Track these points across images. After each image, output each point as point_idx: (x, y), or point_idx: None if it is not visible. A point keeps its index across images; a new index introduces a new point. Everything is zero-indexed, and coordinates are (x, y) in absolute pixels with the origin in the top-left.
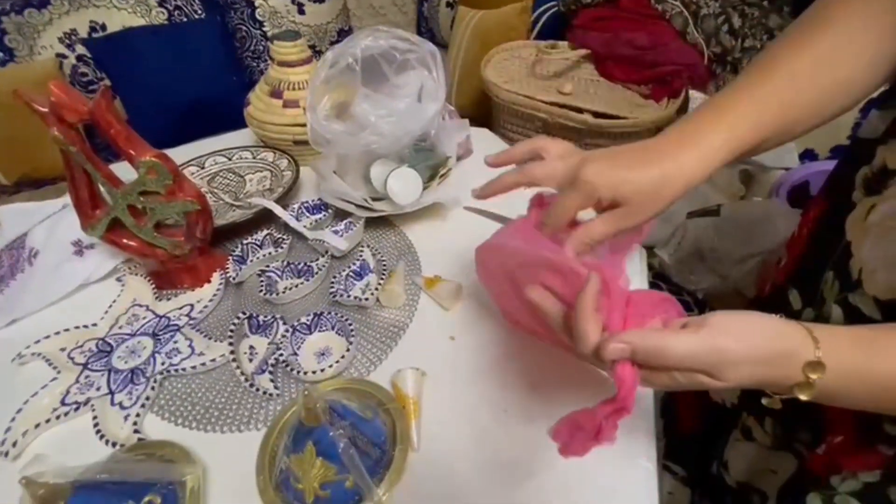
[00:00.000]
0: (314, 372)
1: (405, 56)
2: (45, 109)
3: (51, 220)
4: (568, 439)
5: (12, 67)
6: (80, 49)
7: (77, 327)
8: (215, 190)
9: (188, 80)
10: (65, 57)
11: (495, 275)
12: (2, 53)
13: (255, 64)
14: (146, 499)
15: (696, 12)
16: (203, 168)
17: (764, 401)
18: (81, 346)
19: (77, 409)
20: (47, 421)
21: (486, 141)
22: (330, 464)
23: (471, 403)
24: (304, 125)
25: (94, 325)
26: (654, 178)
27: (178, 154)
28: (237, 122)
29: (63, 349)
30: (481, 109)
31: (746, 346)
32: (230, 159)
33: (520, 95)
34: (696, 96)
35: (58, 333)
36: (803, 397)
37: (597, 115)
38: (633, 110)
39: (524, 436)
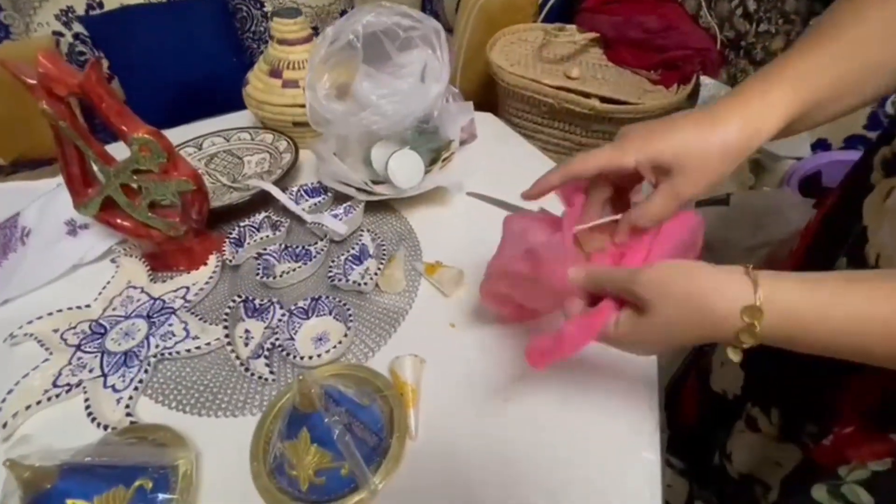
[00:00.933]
0: (311, 357)
1: (408, 33)
2: (34, 81)
3: (44, 199)
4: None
5: (7, 45)
6: (78, 27)
7: (70, 308)
8: (213, 171)
9: (187, 61)
10: (62, 35)
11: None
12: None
13: (255, 45)
14: (137, 483)
15: None
16: (201, 149)
17: (729, 352)
18: (74, 328)
19: (69, 390)
20: (38, 402)
21: (490, 125)
22: (325, 451)
23: (470, 391)
24: (303, 106)
25: (88, 306)
26: (706, 136)
27: (176, 135)
28: (237, 105)
29: (56, 330)
30: (486, 94)
31: (675, 269)
32: (228, 140)
33: (526, 79)
34: (707, 82)
35: (51, 314)
36: (746, 343)
37: (604, 100)
38: (641, 96)
39: (524, 425)
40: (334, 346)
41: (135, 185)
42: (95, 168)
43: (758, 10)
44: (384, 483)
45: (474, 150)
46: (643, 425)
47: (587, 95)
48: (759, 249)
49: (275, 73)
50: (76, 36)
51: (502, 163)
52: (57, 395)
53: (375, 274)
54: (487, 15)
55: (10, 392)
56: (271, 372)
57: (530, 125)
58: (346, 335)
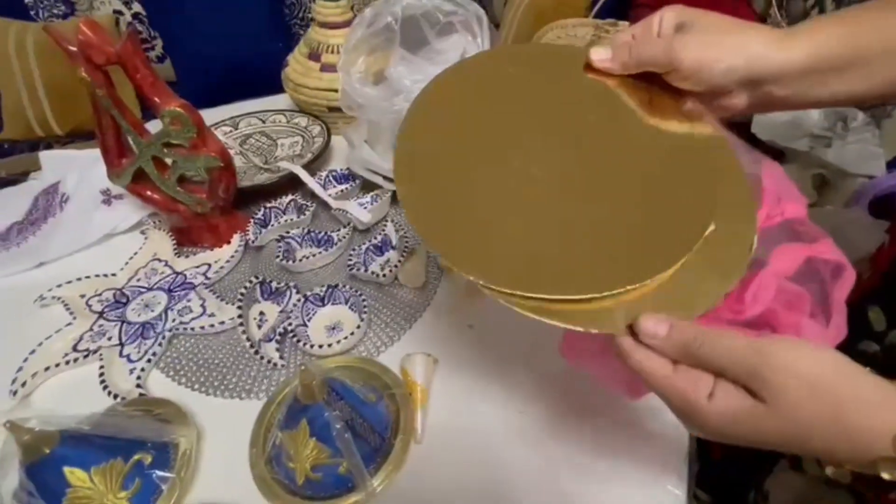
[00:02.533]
0: (321, 346)
1: (449, 18)
2: (74, 49)
3: (84, 168)
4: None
5: (71, 21)
6: (136, 7)
7: (98, 275)
8: (246, 152)
9: (236, 44)
10: (121, 14)
11: None
12: (64, 7)
13: (301, 32)
14: (136, 457)
15: None
16: (237, 129)
17: (828, 471)
18: (100, 295)
19: (87, 356)
20: (57, 365)
21: None
22: (324, 446)
23: (484, 398)
24: (338, 90)
25: (114, 275)
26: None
27: (214, 114)
28: (278, 88)
29: (82, 296)
30: None
31: (822, 360)
32: (264, 122)
33: None
34: None
35: (79, 280)
36: (887, 476)
37: None
38: None
39: (539, 443)
40: (346, 337)
41: (166, 159)
42: (130, 140)
43: (837, 10)
44: (383, 486)
45: None
46: (670, 456)
47: None
48: None
49: (314, 55)
50: (135, 16)
51: None
52: (75, 360)
53: (395, 266)
54: (537, 9)
55: (32, 352)
56: (281, 357)
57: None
58: (359, 326)
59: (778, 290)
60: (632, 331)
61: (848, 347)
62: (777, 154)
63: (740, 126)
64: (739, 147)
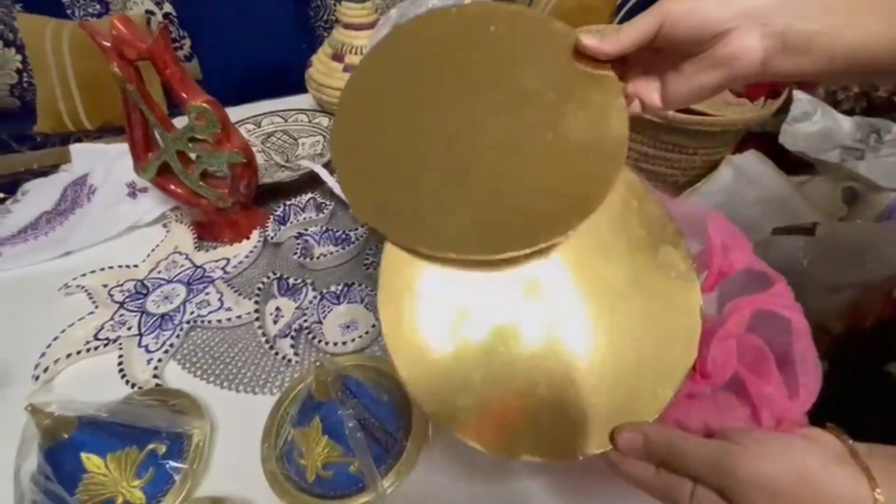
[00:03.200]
0: (336, 344)
1: None
2: (108, 44)
3: (111, 161)
4: None
5: (105, 20)
6: (168, 7)
7: (121, 266)
8: (268, 149)
9: (261, 45)
10: (153, 13)
11: None
12: (99, 5)
13: (325, 34)
14: (150, 446)
15: None
16: (259, 127)
17: None
18: (122, 286)
19: (107, 345)
20: (78, 352)
21: None
22: (335, 444)
23: None
24: None
25: (136, 266)
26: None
27: (238, 112)
28: (302, 89)
29: (105, 285)
30: None
31: (782, 469)
32: (286, 121)
33: None
34: (801, 97)
35: (103, 270)
36: None
37: (678, 109)
38: (720, 108)
39: None
40: (360, 336)
41: (190, 154)
42: (156, 134)
43: None
44: (394, 488)
45: None
46: None
47: None
48: (846, 290)
49: (337, 56)
50: (166, 15)
51: None
52: (95, 348)
53: None
54: (560, 14)
55: (55, 339)
56: (295, 353)
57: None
58: (374, 326)
59: (740, 346)
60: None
61: (874, 369)
62: (806, 166)
63: (767, 137)
64: (668, 201)
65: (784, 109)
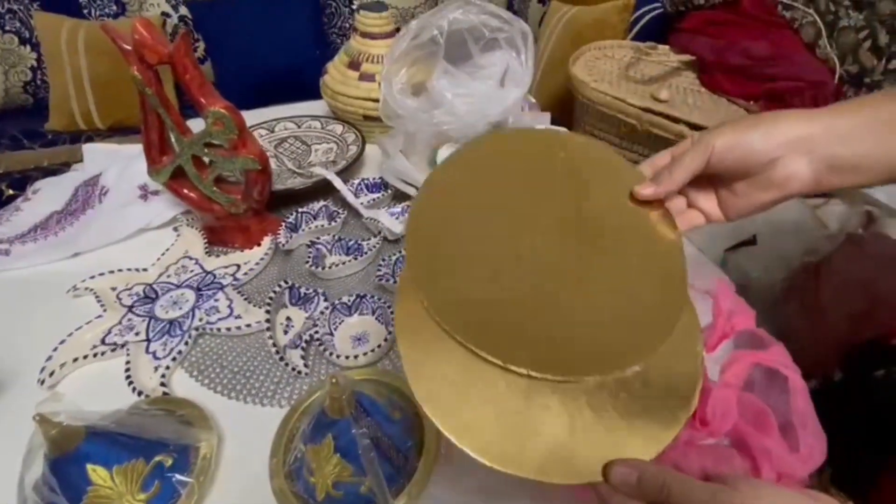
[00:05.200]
0: (347, 357)
1: (494, 34)
2: (129, 48)
3: (125, 163)
4: None
5: (121, 21)
6: (183, 10)
7: (130, 269)
8: (280, 155)
9: (274, 51)
10: (168, 16)
11: None
12: (115, 6)
13: (339, 41)
14: (157, 458)
15: (833, 23)
16: (272, 132)
17: None
18: (130, 289)
19: (114, 350)
20: (85, 357)
21: None
22: (346, 463)
23: None
24: (376, 100)
25: (146, 269)
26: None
27: (251, 117)
28: (314, 96)
29: (114, 288)
30: (563, 110)
31: None
32: (299, 127)
33: (608, 96)
34: None
35: (112, 272)
36: None
37: (693, 127)
38: None
39: None
40: (373, 350)
41: (205, 159)
42: (172, 138)
43: (890, 43)
44: None
45: None
46: None
47: (675, 120)
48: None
49: (353, 65)
50: (181, 18)
51: None
52: (103, 353)
53: None
54: (574, 29)
55: (62, 342)
56: (305, 365)
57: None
58: (385, 339)
59: (740, 404)
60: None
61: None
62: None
63: None
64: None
65: None
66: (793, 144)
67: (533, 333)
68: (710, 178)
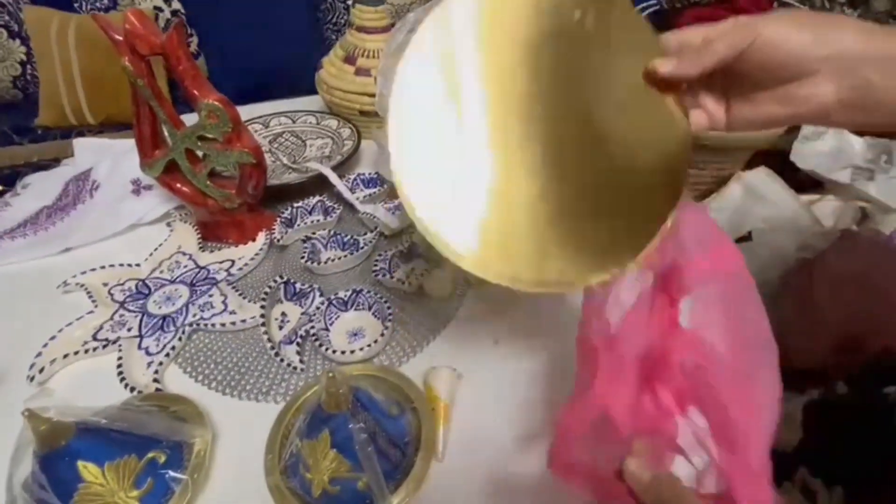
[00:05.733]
0: (343, 352)
1: None
2: (121, 38)
3: (116, 157)
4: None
5: (113, 14)
6: (176, 4)
7: (122, 265)
8: (275, 150)
9: (267, 47)
10: (161, 10)
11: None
12: (107, 0)
13: (333, 37)
14: (150, 454)
15: None
16: (267, 127)
17: None
18: (122, 284)
19: (105, 346)
20: (76, 353)
21: None
22: (344, 458)
23: (508, 419)
24: (372, 95)
25: (138, 265)
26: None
27: (245, 112)
28: (308, 92)
29: (105, 284)
30: None
31: None
32: (294, 122)
33: None
34: None
35: (103, 268)
36: None
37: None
38: None
39: None
40: (369, 345)
41: (198, 152)
42: (165, 132)
43: None
44: None
45: None
46: None
47: None
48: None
49: (349, 59)
50: (174, 13)
51: None
52: (94, 349)
53: (421, 275)
54: None
55: (52, 338)
56: (301, 361)
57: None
58: (382, 334)
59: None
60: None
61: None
62: (817, 185)
63: (777, 155)
64: None
65: (796, 127)
66: (835, 62)
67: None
68: (726, 75)
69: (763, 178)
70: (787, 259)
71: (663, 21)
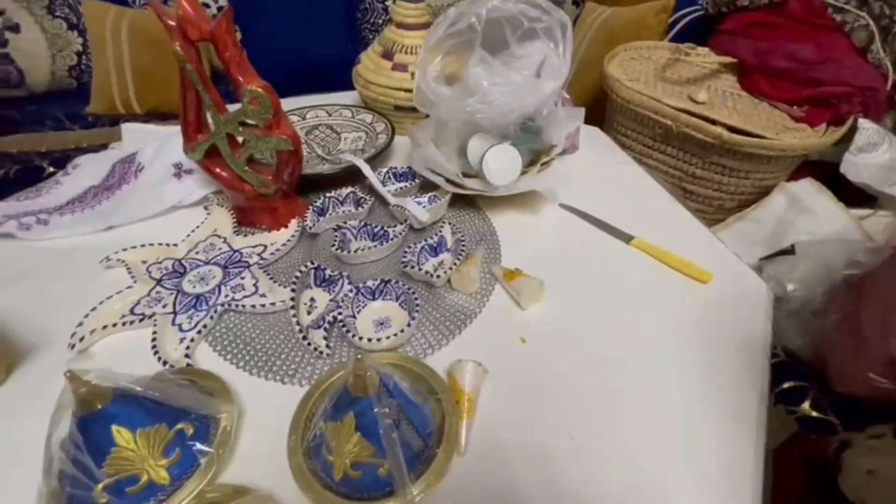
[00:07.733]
0: (370, 340)
1: (532, 24)
2: (174, 23)
3: (161, 142)
4: None
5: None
6: (223, 1)
7: (160, 244)
8: (310, 142)
9: (308, 44)
10: (208, 6)
11: None
12: None
13: (371, 36)
14: (179, 426)
15: (888, 27)
16: (304, 119)
17: None
18: (160, 263)
19: (142, 320)
20: (114, 325)
21: (596, 140)
22: (367, 442)
23: (532, 417)
24: (408, 90)
25: (175, 245)
26: None
27: (285, 104)
28: (341, 88)
29: (144, 262)
30: (595, 111)
31: None
32: (330, 115)
33: (644, 96)
34: (866, 127)
35: (143, 246)
36: None
37: (732, 129)
38: (778, 132)
39: (590, 473)
40: (395, 334)
41: (239, 138)
42: (209, 117)
43: None
44: (422, 496)
45: (574, 162)
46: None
47: (713, 122)
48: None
49: (387, 54)
50: (220, 9)
51: (604, 180)
52: (131, 322)
53: (449, 269)
54: (610, 29)
55: (93, 309)
56: (328, 346)
57: (640, 147)
58: (409, 325)
59: None
60: None
61: None
62: (868, 199)
63: (824, 166)
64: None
65: (847, 138)
66: None
67: None
68: None
69: (809, 190)
70: (832, 275)
71: (706, 27)
